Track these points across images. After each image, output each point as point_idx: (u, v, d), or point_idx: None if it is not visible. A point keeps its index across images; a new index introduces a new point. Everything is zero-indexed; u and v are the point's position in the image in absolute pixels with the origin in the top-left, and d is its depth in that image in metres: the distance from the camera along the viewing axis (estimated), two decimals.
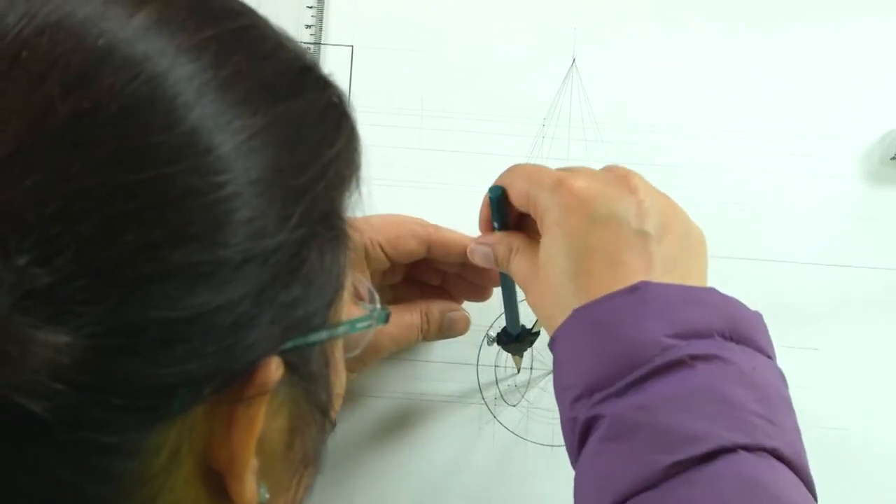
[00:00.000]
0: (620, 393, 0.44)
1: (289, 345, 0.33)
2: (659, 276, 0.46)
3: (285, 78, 0.34)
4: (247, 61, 0.32)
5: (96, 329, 0.27)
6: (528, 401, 0.64)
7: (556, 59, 0.67)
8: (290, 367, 0.33)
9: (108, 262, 0.28)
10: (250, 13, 0.35)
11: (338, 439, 0.65)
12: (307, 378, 0.35)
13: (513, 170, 0.54)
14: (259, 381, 0.32)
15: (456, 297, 0.62)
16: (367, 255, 0.57)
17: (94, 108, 0.28)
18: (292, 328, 0.33)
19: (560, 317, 0.47)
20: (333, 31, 0.68)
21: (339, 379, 0.40)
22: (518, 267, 0.52)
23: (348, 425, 0.64)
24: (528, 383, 0.64)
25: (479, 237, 0.56)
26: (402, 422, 0.64)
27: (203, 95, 0.30)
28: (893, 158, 0.65)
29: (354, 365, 0.54)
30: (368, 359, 0.58)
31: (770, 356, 0.47)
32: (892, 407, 0.64)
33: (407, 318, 0.59)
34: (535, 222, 0.51)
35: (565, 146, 0.66)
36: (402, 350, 0.63)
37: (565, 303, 0.47)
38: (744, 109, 0.66)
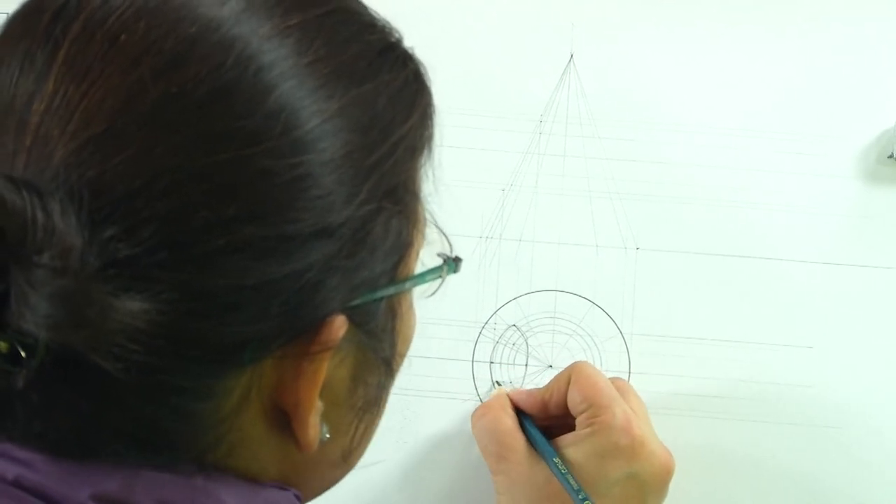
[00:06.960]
0: None
1: (353, 303, 0.35)
2: None
3: (363, 61, 0.35)
4: (327, 47, 0.34)
5: (171, 296, 0.30)
6: None
7: (553, 55, 0.67)
8: (355, 323, 0.36)
9: (185, 236, 0.30)
10: None
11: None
12: (371, 333, 0.37)
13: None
14: (323, 339, 0.34)
15: None
16: None
17: (181, 92, 0.30)
18: (357, 288, 0.35)
19: None
20: None
21: (407, 330, 0.42)
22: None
23: None
24: (524, 379, 0.64)
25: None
26: (397, 417, 0.64)
27: (283, 82, 0.32)
28: (890, 157, 0.64)
29: None
30: None
31: None
32: (887, 406, 0.64)
33: None
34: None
35: (562, 142, 0.66)
36: None
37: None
38: (741, 107, 0.66)
